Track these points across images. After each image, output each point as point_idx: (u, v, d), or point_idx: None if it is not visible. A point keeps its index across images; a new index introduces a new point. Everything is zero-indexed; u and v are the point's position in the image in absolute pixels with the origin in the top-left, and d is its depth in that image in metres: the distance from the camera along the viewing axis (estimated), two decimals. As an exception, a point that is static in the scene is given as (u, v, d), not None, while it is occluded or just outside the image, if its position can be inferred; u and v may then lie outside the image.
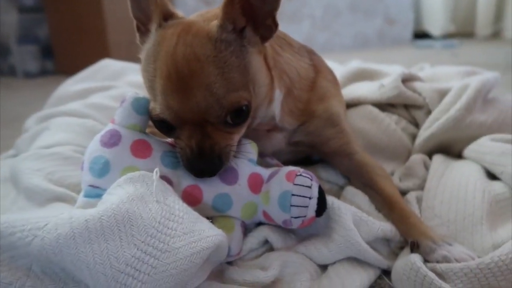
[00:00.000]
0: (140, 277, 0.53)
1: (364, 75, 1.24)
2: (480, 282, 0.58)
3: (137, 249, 0.54)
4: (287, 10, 3.63)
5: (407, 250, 0.69)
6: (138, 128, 0.70)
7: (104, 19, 2.81)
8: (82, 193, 0.68)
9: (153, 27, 0.69)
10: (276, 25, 0.69)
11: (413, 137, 1.02)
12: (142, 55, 0.70)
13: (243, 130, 0.71)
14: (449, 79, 1.05)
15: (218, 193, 0.68)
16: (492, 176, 0.81)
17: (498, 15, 4.04)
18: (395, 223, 0.72)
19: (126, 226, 0.55)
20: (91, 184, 0.66)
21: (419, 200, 0.80)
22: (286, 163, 0.81)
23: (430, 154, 0.96)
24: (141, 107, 0.70)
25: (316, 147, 0.86)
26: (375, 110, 1.02)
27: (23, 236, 0.53)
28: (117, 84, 1.33)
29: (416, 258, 0.61)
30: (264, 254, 0.72)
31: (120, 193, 0.60)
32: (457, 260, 0.61)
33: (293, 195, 0.67)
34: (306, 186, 0.68)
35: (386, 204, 0.75)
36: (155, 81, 0.64)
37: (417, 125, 1.03)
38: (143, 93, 1.14)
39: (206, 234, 0.59)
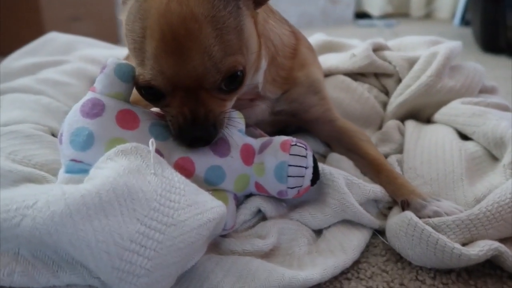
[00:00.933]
0: (146, 254, 0.49)
1: (330, 47, 1.25)
2: (471, 232, 0.62)
3: (141, 224, 0.50)
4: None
5: (396, 209, 0.71)
6: (122, 97, 0.64)
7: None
8: (62, 169, 0.61)
9: None
10: None
11: (384, 104, 1.05)
12: (124, 15, 0.64)
13: (235, 97, 0.68)
14: (416, 48, 1.09)
15: (211, 166, 0.65)
16: (463, 136, 0.86)
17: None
18: (383, 184, 0.74)
19: (126, 200, 0.51)
20: (73, 158, 0.60)
21: (400, 163, 0.83)
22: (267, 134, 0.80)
23: (401, 120, 1.00)
24: (124, 74, 0.63)
25: (299, 114, 0.85)
26: (348, 79, 1.03)
27: (9, 217, 0.46)
28: (68, 58, 1.22)
29: (411, 214, 0.63)
30: (259, 223, 0.71)
31: (113, 166, 0.54)
32: (447, 214, 0.64)
33: (289, 165, 0.66)
34: (302, 156, 0.67)
35: (373, 167, 0.77)
36: (144, 42, 0.58)
37: (387, 93, 1.07)
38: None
39: (210, 205, 0.56)
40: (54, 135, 0.92)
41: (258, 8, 0.68)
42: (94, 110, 0.61)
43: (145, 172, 0.56)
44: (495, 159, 0.79)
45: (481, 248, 0.58)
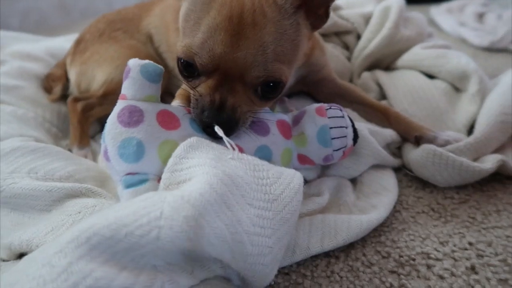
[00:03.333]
0: (265, 233, 0.50)
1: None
2: (477, 152, 0.76)
3: (253, 207, 0.51)
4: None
5: (409, 145, 0.83)
6: (154, 99, 0.60)
7: None
8: (121, 186, 0.56)
9: None
10: (327, 15, 0.67)
11: (348, 58, 1.15)
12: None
13: (265, 106, 0.68)
14: (364, 4, 1.19)
15: (258, 146, 0.66)
16: (428, 76, 1.01)
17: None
18: (393, 126, 0.84)
19: (234, 189, 0.51)
20: (129, 172, 0.55)
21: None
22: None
23: (366, 70, 1.12)
24: (151, 74, 0.59)
25: (310, 76, 0.89)
26: (317, 41, 1.10)
27: (145, 231, 0.43)
28: (4, 58, 1.06)
29: (434, 146, 0.75)
30: (306, 184, 0.75)
31: (199, 162, 0.53)
32: (456, 141, 0.78)
33: (331, 128, 0.68)
34: (340, 117, 0.69)
35: (380, 113, 0.87)
36: (205, 15, 0.57)
37: (347, 48, 1.17)
38: (39, 64, 1.00)
39: (292, 173, 0.59)
40: (41, 144, 0.82)
41: (315, 31, 0.69)
42: (134, 117, 0.57)
43: (227, 157, 0.56)
44: (459, 90, 0.96)
45: (492, 162, 0.73)
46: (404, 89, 0.96)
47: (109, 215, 0.44)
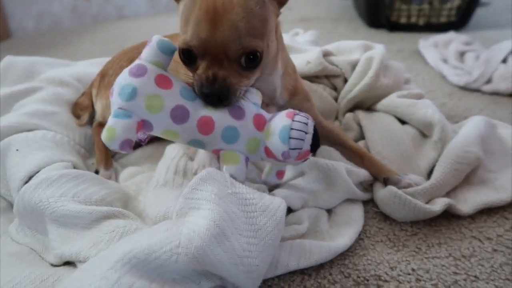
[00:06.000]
0: (252, 255, 0.68)
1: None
2: (432, 195, 0.95)
3: (243, 236, 0.70)
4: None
5: (378, 184, 1.01)
6: (161, 66, 0.79)
7: None
8: (112, 115, 0.74)
9: None
10: None
11: (335, 99, 1.33)
12: (182, 3, 0.80)
13: (253, 77, 0.82)
14: (352, 51, 1.37)
15: (227, 125, 0.79)
16: (401, 121, 1.20)
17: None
18: (366, 167, 1.02)
19: (230, 223, 0.69)
20: (120, 106, 0.74)
21: (366, 148, 1.13)
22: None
23: (350, 110, 1.30)
24: (165, 47, 0.79)
25: None
26: (308, 82, 1.29)
27: (168, 256, 0.62)
28: (40, 85, 1.23)
29: (395, 189, 0.93)
30: (290, 214, 0.93)
31: (205, 196, 0.71)
32: (416, 184, 0.96)
33: (292, 128, 0.78)
34: (303, 123, 0.79)
35: (357, 156, 1.05)
36: (191, 14, 0.75)
37: (335, 89, 1.35)
38: (69, 89, 1.18)
39: (277, 205, 0.76)
40: (75, 168, 1.00)
41: (281, 7, 0.85)
42: (139, 71, 0.76)
43: (225, 192, 0.74)
44: (426, 136, 1.14)
45: (440, 205, 0.91)
46: (380, 132, 1.14)
47: (143, 242, 0.63)
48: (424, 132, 1.14)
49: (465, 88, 1.70)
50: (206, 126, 0.77)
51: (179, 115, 0.76)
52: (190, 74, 0.82)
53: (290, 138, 0.77)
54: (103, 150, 1.12)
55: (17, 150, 0.94)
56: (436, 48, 2.10)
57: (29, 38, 3.09)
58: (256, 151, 0.82)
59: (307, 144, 0.78)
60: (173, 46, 0.79)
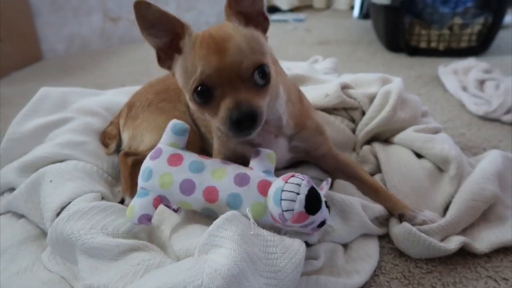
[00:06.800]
0: (272, 294, 0.72)
1: (298, 80, 1.52)
2: (447, 232, 0.96)
3: (263, 277, 0.74)
4: (152, -7, 3.60)
5: (393, 220, 1.03)
6: (176, 145, 0.94)
7: None
8: (136, 195, 0.90)
9: (187, 35, 0.86)
10: (267, 19, 0.91)
11: (353, 130, 1.36)
12: (179, 64, 0.87)
13: (266, 97, 0.85)
14: (370, 84, 1.41)
15: (231, 193, 0.85)
16: (418, 155, 1.22)
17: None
18: (381, 202, 1.04)
19: (251, 264, 0.73)
20: (141, 187, 0.90)
21: (382, 182, 1.15)
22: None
23: (368, 142, 1.33)
24: (177, 130, 0.94)
25: (311, 152, 1.11)
26: (326, 115, 1.32)
27: None
28: (72, 115, 1.30)
29: (410, 226, 0.95)
30: (310, 248, 0.95)
31: (229, 236, 0.75)
32: (431, 221, 0.98)
33: (283, 190, 0.80)
34: (296, 184, 0.81)
35: (372, 190, 1.07)
36: (195, 58, 0.82)
37: (353, 121, 1.38)
38: (98, 119, 1.26)
39: (297, 247, 0.80)
40: (103, 198, 1.06)
41: (265, 33, 0.92)
42: (155, 155, 0.92)
43: (247, 234, 0.78)
44: (442, 171, 1.16)
45: (455, 243, 0.93)
46: (396, 166, 1.17)
47: (168, 280, 0.67)
48: (440, 167, 1.16)
49: (484, 118, 1.71)
50: (211, 195, 0.86)
51: (187, 187, 0.86)
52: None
53: (281, 200, 0.80)
54: (129, 179, 1.17)
55: (50, 181, 1.00)
56: (456, 75, 2.11)
57: (59, 60, 3.23)
58: (262, 216, 0.85)
59: (299, 205, 0.79)
60: (185, 126, 0.94)
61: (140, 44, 3.68)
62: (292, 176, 0.84)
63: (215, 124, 0.87)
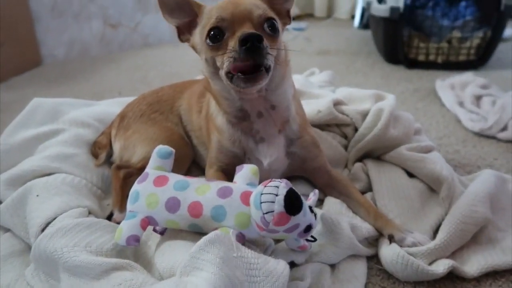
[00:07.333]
0: (253, 317, 0.71)
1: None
2: (436, 256, 0.95)
3: (244, 300, 0.72)
4: (153, 0, 3.61)
5: (383, 240, 1.01)
6: (162, 169, 0.95)
7: None
8: (124, 218, 0.90)
9: (204, 11, 0.96)
10: (290, 17, 1.02)
11: (345, 147, 1.35)
12: (197, 32, 0.98)
13: (275, 46, 0.91)
14: (364, 100, 1.40)
15: (215, 205, 0.85)
16: (410, 174, 1.21)
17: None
18: (371, 222, 1.03)
19: (231, 288, 0.72)
20: (129, 210, 0.91)
21: (373, 200, 1.14)
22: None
23: (360, 158, 1.32)
24: (163, 153, 0.96)
25: (306, 161, 1.11)
26: (318, 131, 1.32)
27: None
28: (63, 127, 1.30)
29: (399, 249, 0.94)
30: (294, 268, 0.94)
31: (210, 258, 0.74)
32: (420, 244, 0.97)
33: (262, 194, 0.80)
34: (274, 186, 0.81)
35: (363, 209, 1.06)
36: (212, 12, 0.91)
37: (346, 137, 1.37)
38: (90, 130, 1.35)
39: (280, 270, 0.79)
40: (91, 213, 1.05)
41: (284, 26, 1.01)
42: (142, 178, 0.93)
43: (230, 256, 0.77)
44: (434, 191, 1.15)
45: (444, 267, 0.91)
46: (388, 185, 1.16)
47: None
48: (432, 187, 1.15)
49: (480, 134, 1.70)
50: (195, 209, 0.85)
51: (172, 205, 0.87)
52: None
53: (261, 203, 0.79)
54: (120, 192, 1.16)
55: (37, 195, 1.00)
56: (453, 90, 2.10)
57: (58, 65, 3.24)
58: (248, 226, 0.84)
59: (279, 206, 0.78)
60: (169, 150, 0.96)
61: (139, 50, 3.71)
62: (271, 181, 0.84)
63: (223, 69, 0.89)
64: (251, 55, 0.83)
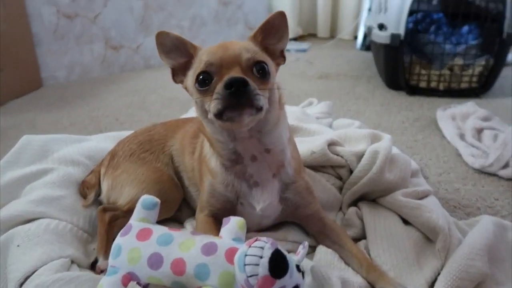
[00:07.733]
0: None
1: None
2: (427, 312, 0.91)
3: None
4: (155, 22, 3.62)
5: (374, 294, 0.98)
6: (146, 220, 0.91)
7: None
8: (106, 274, 0.86)
9: (199, 52, 0.97)
10: (284, 57, 1.03)
11: (340, 188, 1.32)
12: (190, 74, 0.97)
13: (265, 89, 0.89)
14: (359, 140, 1.36)
15: (198, 263, 0.81)
16: (405, 221, 1.17)
17: (334, 20, 4.81)
18: (364, 274, 0.99)
19: None
20: (111, 264, 0.86)
21: (366, 249, 1.10)
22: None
23: (354, 201, 1.28)
24: (147, 204, 0.92)
25: (300, 208, 1.08)
26: (312, 173, 1.28)
27: None
28: (52, 165, 1.28)
29: (391, 305, 0.90)
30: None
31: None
32: (413, 300, 0.93)
33: (246, 255, 0.76)
34: (259, 247, 0.77)
35: (356, 261, 1.02)
36: (203, 56, 0.92)
37: (340, 178, 1.34)
38: (79, 168, 1.33)
39: None
40: (74, 262, 1.02)
41: (278, 66, 1.02)
42: (125, 231, 0.89)
43: None
44: (430, 240, 1.11)
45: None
46: (382, 234, 1.12)
47: None
48: (428, 236, 1.10)
49: (481, 171, 1.66)
50: (178, 267, 0.81)
51: (154, 261, 0.82)
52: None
53: (245, 265, 0.75)
54: (105, 237, 1.13)
55: (18, 245, 0.97)
56: (454, 121, 2.07)
57: (58, 88, 3.24)
58: (232, 286, 0.80)
59: (263, 269, 0.74)
60: (154, 201, 0.93)
61: (141, 72, 3.72)
62: (256, 240, 0.80)
63: (211, 112, 0.88)
64: (235, 99, 0.82)
